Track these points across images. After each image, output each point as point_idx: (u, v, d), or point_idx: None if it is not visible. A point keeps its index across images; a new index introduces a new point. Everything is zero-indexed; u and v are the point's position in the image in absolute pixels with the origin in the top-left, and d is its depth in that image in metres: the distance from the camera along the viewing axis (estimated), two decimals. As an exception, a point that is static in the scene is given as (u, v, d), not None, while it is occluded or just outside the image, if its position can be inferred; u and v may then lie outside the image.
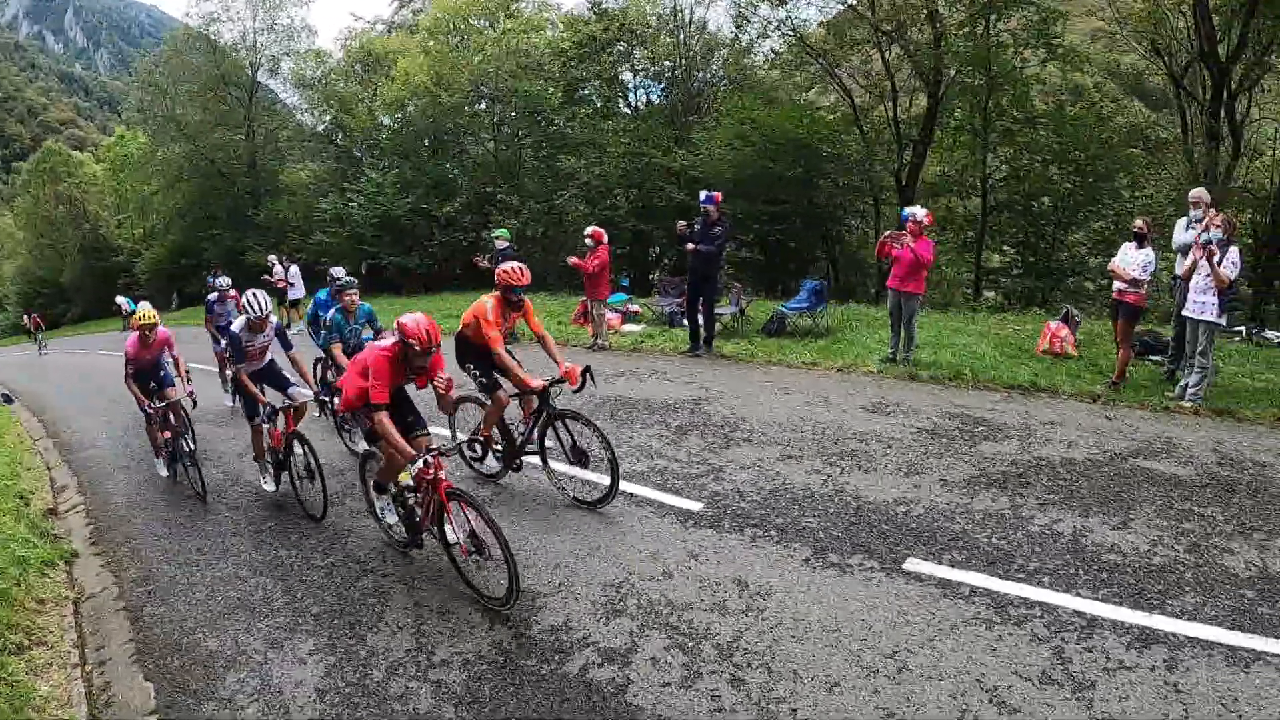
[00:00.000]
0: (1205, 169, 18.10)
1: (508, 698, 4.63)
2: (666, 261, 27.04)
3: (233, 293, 12.05)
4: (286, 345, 8.16)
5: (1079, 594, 5.26)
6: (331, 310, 9.46)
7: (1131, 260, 10.14)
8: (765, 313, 15.12)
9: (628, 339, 14.49)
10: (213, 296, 12.56)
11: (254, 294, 7.96)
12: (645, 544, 6.30)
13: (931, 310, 15.82)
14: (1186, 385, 9.63)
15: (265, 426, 7.88)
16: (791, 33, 25.17)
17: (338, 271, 10.78)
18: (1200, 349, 9.46)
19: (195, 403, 8.81)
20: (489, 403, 7.51)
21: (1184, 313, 9.70)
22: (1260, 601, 5.02)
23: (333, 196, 30.97)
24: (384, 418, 5.67)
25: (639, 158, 24.67)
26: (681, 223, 12.90)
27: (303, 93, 37.59)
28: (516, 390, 7.20)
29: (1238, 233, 10.00)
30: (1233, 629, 4.86)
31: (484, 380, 7.34)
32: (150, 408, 8.76)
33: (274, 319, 8.34)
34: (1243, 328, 13.78)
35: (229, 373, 10.59)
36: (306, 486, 7.55)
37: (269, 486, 8.23)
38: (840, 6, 24.63)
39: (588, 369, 6.80)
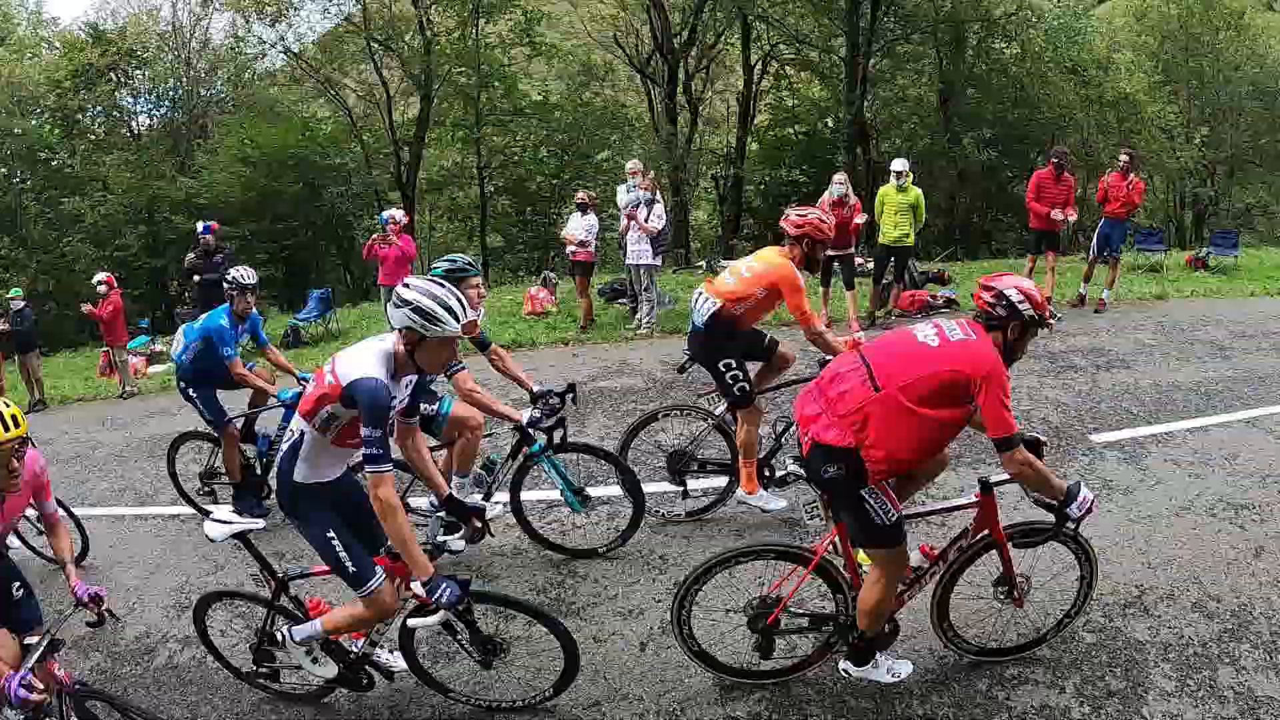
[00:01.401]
0: (669, 141, 22.80)
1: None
2: (188, 296, 27.28)
3: None
4: None
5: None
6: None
7: (577, 226, 13.16)
8: (282, 327, 16.42)
9: (155, 379, 15.10)
10: None
11: None
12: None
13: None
14: (641, 317, 12.64)
15: None
16: (285, 53, 26.69)
17: None
18: (644, 286, 12.64)
19: None
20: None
21: (628, 261, 12.63)
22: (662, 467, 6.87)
23: None
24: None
25: (144, 190, 24.77)
26: (190, 255, 14.00)
27: None
28: None
29: (662, 191, 13.07)
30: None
31: None
32: None
33: None
34: (704, 262, 17.73)
35: None
36: None
37: None
38: (337, 21, 26.45)
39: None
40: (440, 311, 3.80)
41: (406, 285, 3.89)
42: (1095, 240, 12.82)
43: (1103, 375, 9.37)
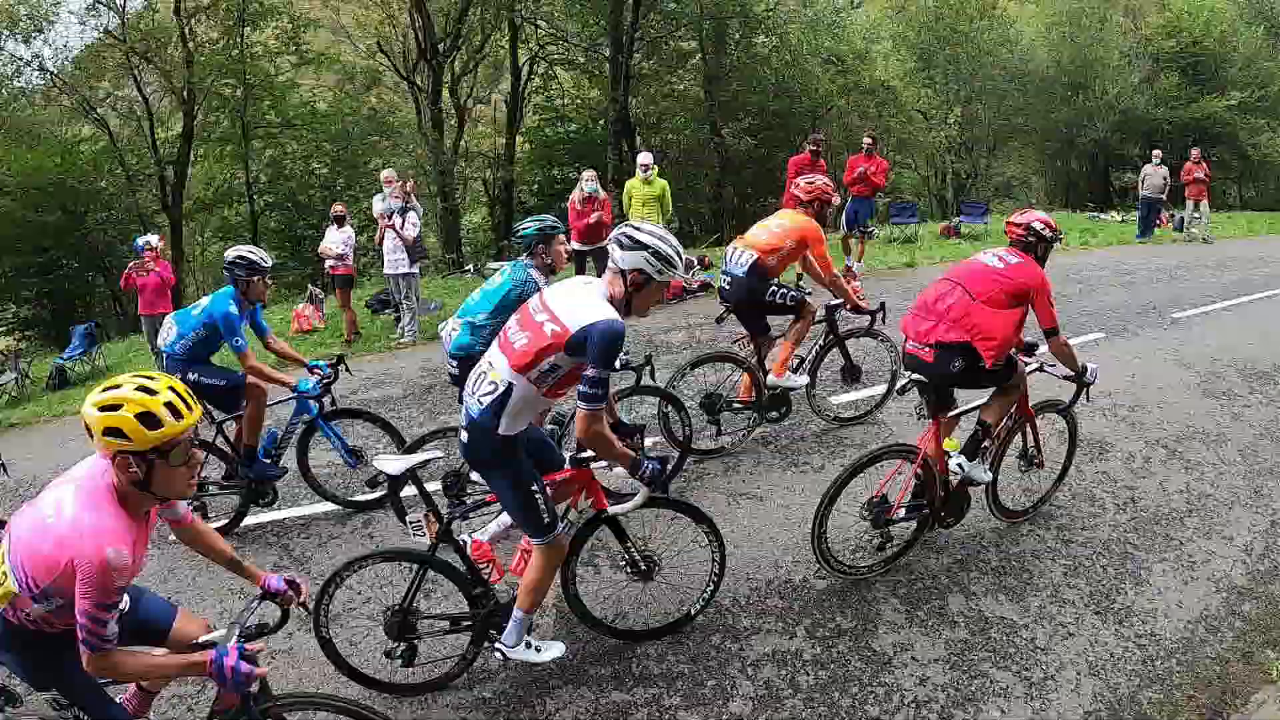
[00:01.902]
0: (435, 147, 23.62)
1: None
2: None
3: None
4: None
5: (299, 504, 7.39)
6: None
7: (334, 239, 13.43)
8: (46, 369, 15.63)
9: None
10: None
11: None
12: None
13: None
14: (403, 326, 13.27)
15: None
16: (40, 70, 25.73)
17: None
18: (404, 295, 13.17)
19: None
20: None
21: (386, 270, 13.27)
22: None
23: None
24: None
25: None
26: None
27: None
28: None
29: (429, 198, 13.59)
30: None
31: None
32: None
33: None
34: (471, 266, 18.71)
35: None
36: None
37: None
38: (96, 35, 25.68)
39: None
40: (675, 257, 4.22)
41: (638, 229, 4.25)
42: (844, 217, 14.25)
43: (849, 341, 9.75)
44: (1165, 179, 19.64)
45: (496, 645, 4.64)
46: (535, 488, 4.30)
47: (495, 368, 4.25)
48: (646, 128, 27.65)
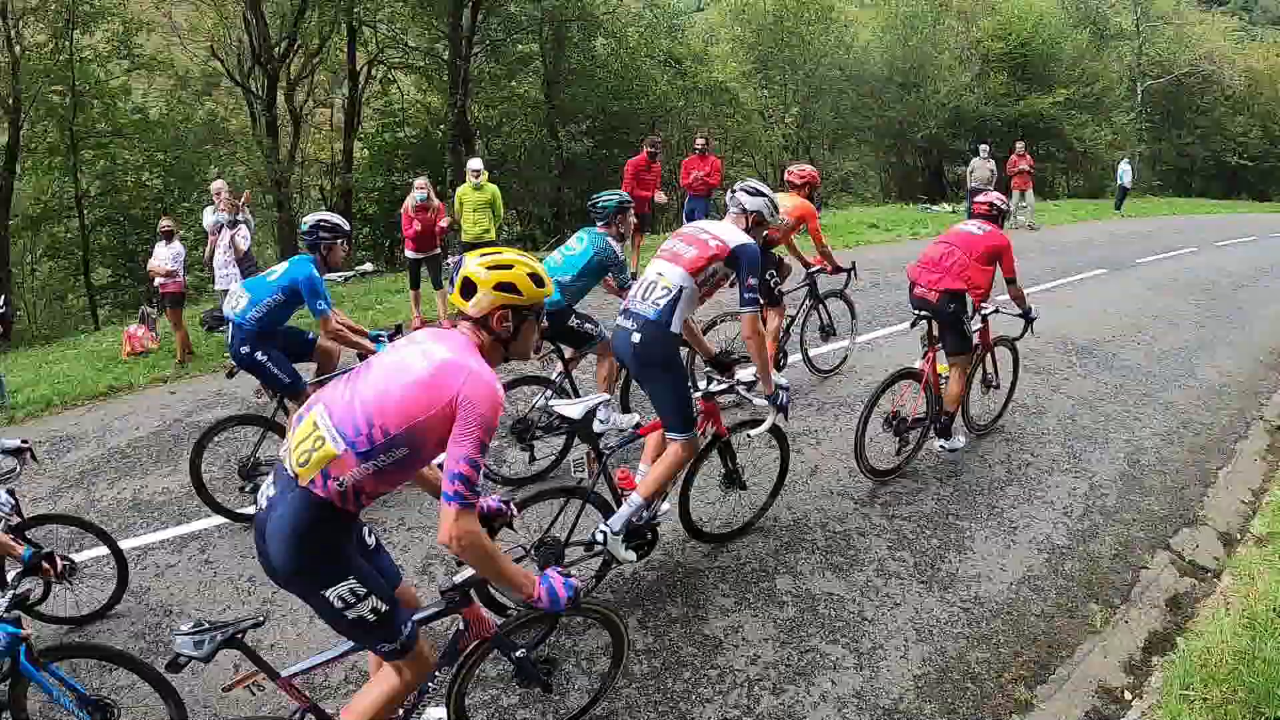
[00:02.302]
0: (270, 155, 23.28)
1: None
2: None
3: None
4: None
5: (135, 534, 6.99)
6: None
7: (164, 256, 13.26)
8: None
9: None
10: None
11: None
12: None
13: (28, 348, 17.01)
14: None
15: None
16: None
17: None
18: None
19: None
20: None
21: (217, 285, 13.28)
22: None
23: None
24: None
25: None
26: None
27: None
28: None
29: (244, 211, 13.15)
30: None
31: None
32: None
33: None
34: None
35: None
36: None
37: None
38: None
39: None
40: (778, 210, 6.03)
41: (759, 184, 5.97)
42: (684, 216, 14.86)
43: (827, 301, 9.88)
44: (992, 171, 20.88)
45: (600, 527, 5.19)
46: (688, 381, 5.39)
47: (666, 276, 5.34)
48: (487, 131, 28.08)
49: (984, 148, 21.29)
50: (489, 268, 3.38)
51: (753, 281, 5.35)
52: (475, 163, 13.02)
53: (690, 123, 28.75)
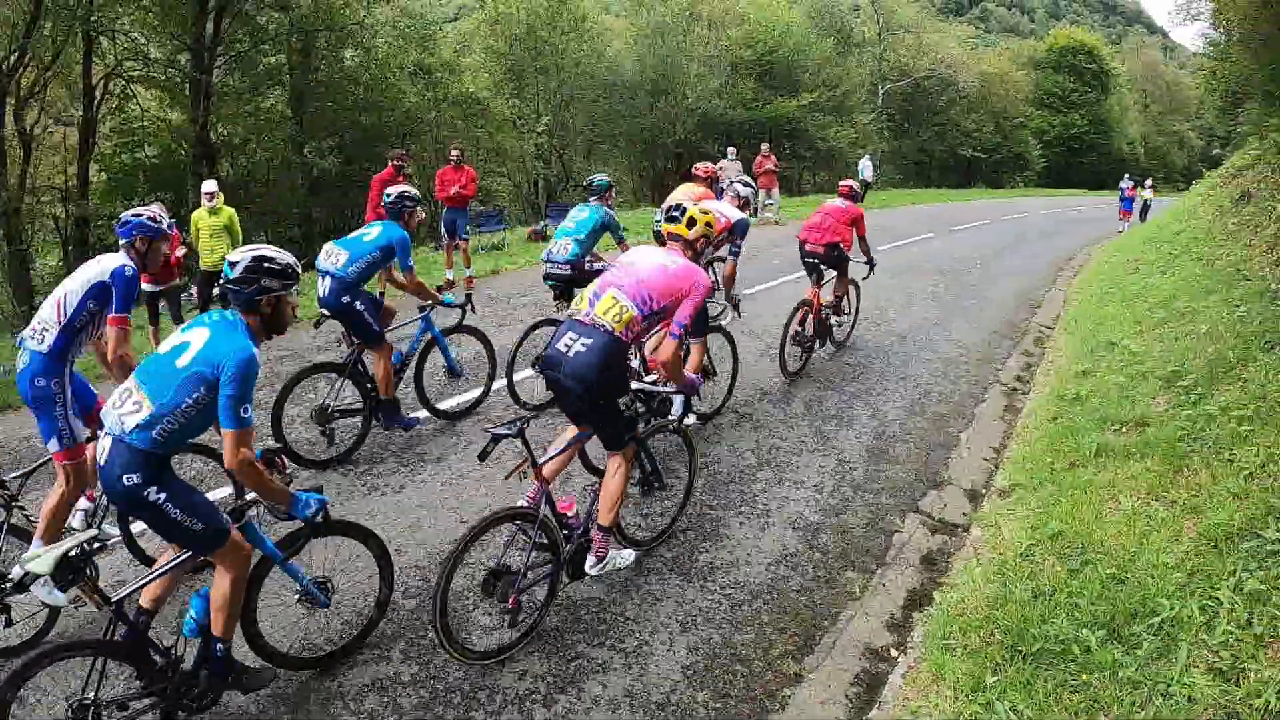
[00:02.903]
0: None
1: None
2: None
3: None
4: None
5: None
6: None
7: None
8: None
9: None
10: None
11: None
12: None
13: None
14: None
15: None
16: None
17: None
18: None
19: None
20: None
21: None
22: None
23: None
24: None
25: None
26: None
27: None
28: None
29: None
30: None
31: None
32: None
33: None
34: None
35: None
36: None
37: None
38: None
39: None
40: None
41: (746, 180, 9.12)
42: (443, 228, 14.66)
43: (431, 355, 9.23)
44: (739, 171, 21.30)
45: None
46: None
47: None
48: (232, 149, 27.71)
49: (731, 150, 22.48)
50: (703, 213, 5.81)
51: (741, 243, 8.45)
52: (210, 185, 12.30)
53: (442, 135, 29.27)
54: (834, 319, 10.72)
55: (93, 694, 3.96)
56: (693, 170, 11.35)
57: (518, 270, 16.27)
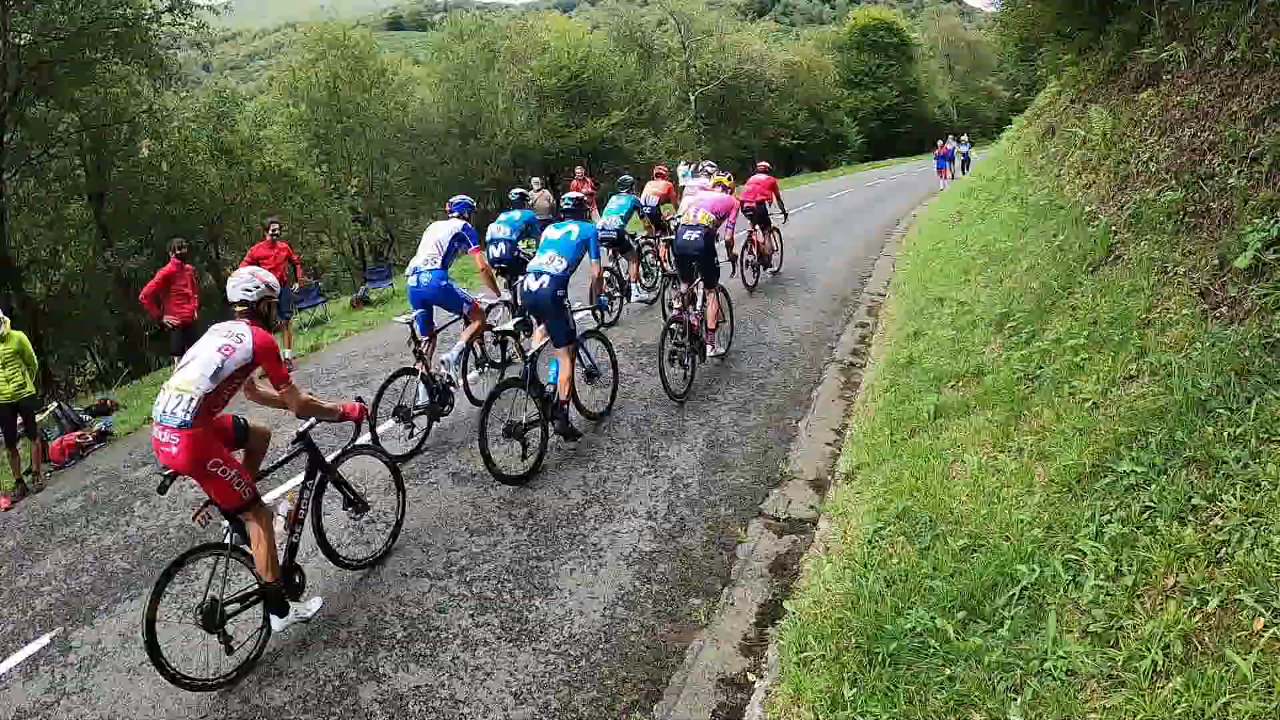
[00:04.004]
0: None
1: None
2: None
3: None
4: None
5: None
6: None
7: None
8: None
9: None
10: None
11: None
12: None
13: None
14: None
15: None
16: None
17: None
18: None
19: None
20: None
21: None
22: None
23: None
24: None
25: None
26: None
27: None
28: None
29: None
30: None
31: None
32: None
33: None
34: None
35: None
36: None
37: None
38: None
39: None
40: None
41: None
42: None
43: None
44: (549, 201, 20.98)
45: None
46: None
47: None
48: (39, 265, 25.52)
49: (536, 181, 22.20)
50: (727, 178, 11.79)
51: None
52: (-8, 308, 11.05)
53: (255, 214, 27.56)
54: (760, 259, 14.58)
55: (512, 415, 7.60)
56: (654, 171, 15.61)
57: (339, 342, 15.23)
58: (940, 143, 32.98)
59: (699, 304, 9.84)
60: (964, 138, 36.48)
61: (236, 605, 5.36)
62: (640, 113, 44.11)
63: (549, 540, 6.59)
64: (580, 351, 8.31)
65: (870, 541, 5.45)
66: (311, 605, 5.79)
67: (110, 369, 21.50)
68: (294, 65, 36.77)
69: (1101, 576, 4.01)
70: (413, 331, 8.63)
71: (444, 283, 8.80)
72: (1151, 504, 4.19)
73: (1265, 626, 3.32)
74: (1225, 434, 4.26)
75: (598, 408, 8.82)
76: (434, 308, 8.99)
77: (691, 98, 52.80)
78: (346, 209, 32.41)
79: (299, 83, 35.10)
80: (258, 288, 5.48)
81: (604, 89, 43.52)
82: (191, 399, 5.03)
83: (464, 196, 10.15)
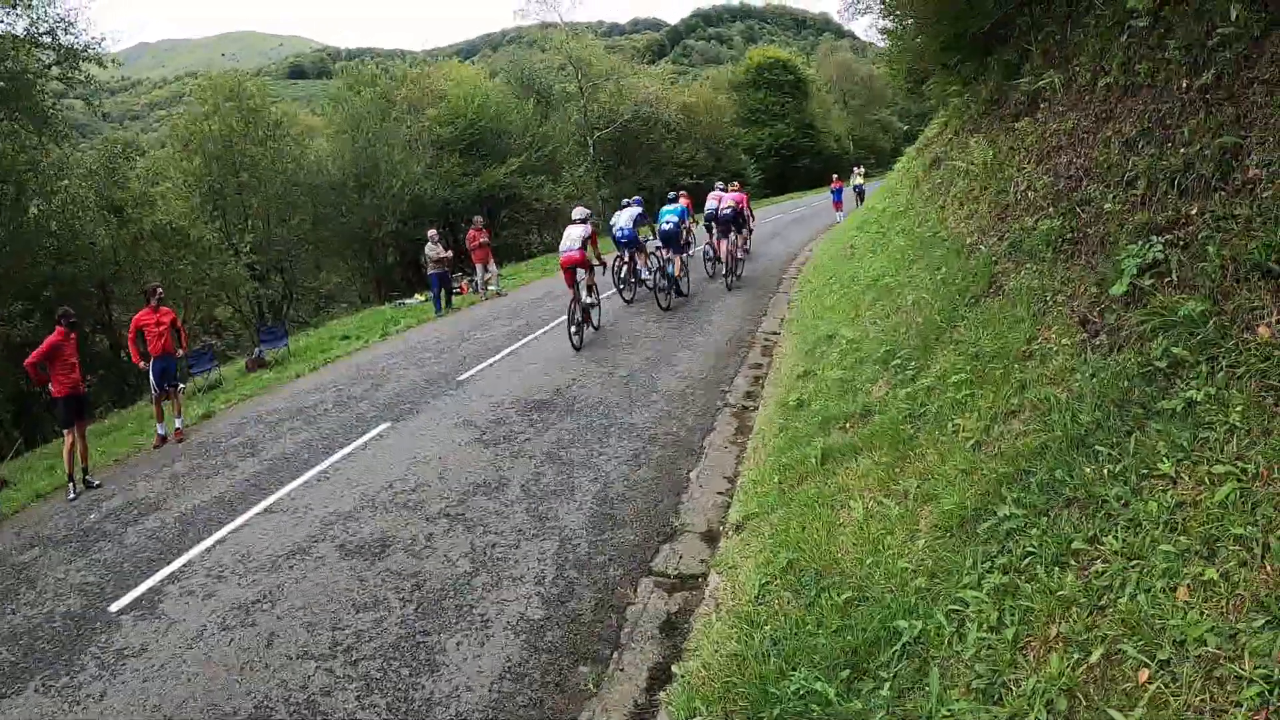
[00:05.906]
0: None
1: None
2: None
3: None
4: None
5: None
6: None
7: None
8: None
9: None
10: None
11: None
12: None
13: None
14: None
15: None
16: None
17: None
18: None
19: None
20: None
21: None
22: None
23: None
24: None
25: None
26: None
27: None
28: None
29: None
30: None
31: None
32: None
33: None
34: None
35: None
36: None
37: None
38: None
39: None
40: None
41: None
42: (152, 378, 13.24)
43: (130, 530, 9.01)
44: (444, 250, 20.96)
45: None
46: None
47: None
48: None
49: (432, 233, 23.17)
50: (735, 186, 22.92)
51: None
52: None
53: (147, 273, 26.78)
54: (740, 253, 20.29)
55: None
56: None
57: (233, 406, 14.78)
58: (835, 176, 33.78)
59: (729, 242, 18.86)
60: (858, 169, 37.43)
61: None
62: (538, 159, 44.44)
63: (436, 612, 6.40)
64: (683, 255, 17.62)
65: (758, 597, 5.39)
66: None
67: (4, 439, 20.53)
68: (187, 118, 36.21)
69: (984, 628, 3.95)
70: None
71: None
72: (1033, 549, 4.16)
73: (1149, 679, 3.23)
74: (1105, 471, 4.25)
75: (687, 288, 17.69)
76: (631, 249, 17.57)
77: (590, 141, 53.64)
78: (242, 266, 31.99)
79: (193, 136, 34.71)
80: None
81: (501, 135, 43.80)
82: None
83: (639, 198, 19.97)
